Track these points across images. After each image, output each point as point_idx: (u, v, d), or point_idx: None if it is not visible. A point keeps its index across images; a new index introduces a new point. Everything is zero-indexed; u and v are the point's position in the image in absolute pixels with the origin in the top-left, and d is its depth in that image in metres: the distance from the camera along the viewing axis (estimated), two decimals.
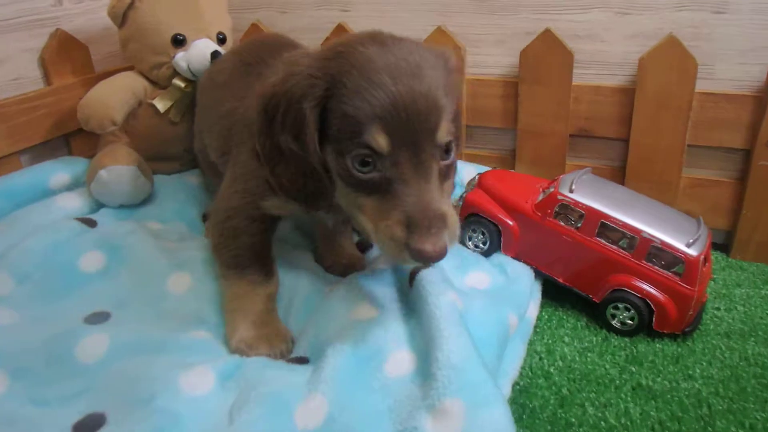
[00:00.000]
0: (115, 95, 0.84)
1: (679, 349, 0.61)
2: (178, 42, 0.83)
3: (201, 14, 0.86)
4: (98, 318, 0.62)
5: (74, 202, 0.81)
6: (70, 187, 0.85)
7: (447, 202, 0.48)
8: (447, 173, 0.49)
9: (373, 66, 0.47)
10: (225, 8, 0.92)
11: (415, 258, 0.44)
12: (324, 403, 0.46)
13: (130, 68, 0.91)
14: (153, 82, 0.88)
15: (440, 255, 0.44)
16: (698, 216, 0.66)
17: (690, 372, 0.58)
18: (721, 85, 0.74)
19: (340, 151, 0.47)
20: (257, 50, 0.72)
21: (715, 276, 0.73)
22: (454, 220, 0.47)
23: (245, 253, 0.59)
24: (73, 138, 0.94)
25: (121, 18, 0.86)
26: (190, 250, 0.71)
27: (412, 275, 0.59)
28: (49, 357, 0.55)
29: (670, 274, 0.61)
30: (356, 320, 0.56)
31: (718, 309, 0.68)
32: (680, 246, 0.60)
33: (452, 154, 0.50)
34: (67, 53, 0.92)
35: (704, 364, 0.59)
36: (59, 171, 0.85)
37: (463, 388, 0.44)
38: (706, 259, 0.63)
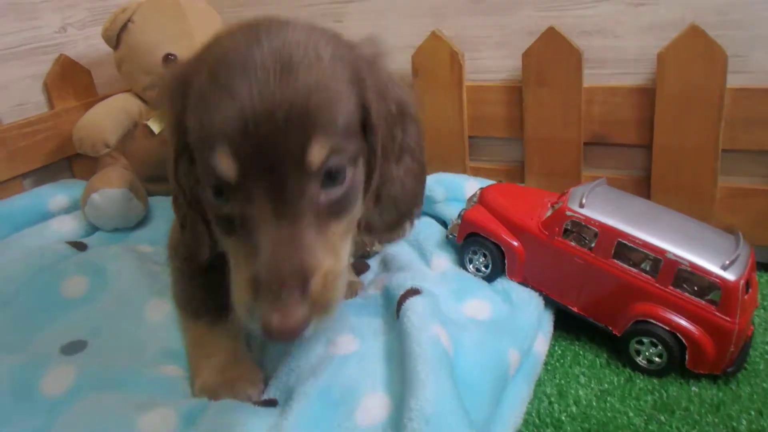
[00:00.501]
0: (108, 117, 0.82)
1: (721, 394, 0.49)
2: (170, 61, 0.79)
3: (191, 33, 0.82)
4: (75, 347, 0.57)
5: (69, 226, 0.78)
6: (69, 210, 0.82)
7: (326, 254, 0.35)
8: (335, 210, 0.36)
9: (226, 63, 0.35)
10: (217, 26, 0.87)
11: (262, 332, 0.32)
12: None
13: (128, 90, 0.88)
14: (147, 103, 0.84)
15: (291, 332, 0.31)
16: (737, 232, 0.53)
17: (734, 423, 0.45)
18: (757, 79, 0.61)
19: (200, 178, 0.36)
20: None
21: (763, 303, 0.60)
22: (330, 280, 0.34)
23: (197, 292, 0.50)
24: (75, 161, 0.92)
25: (115, 40, 0.83)
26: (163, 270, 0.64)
27: (399, 304, 0.50)
28: (15, 389, 0.51)
29: (703, 302, 0.49)
30: (333, 354, 0.48)
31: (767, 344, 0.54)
32: (714, 269, 0.48)
33: (343, 184, 0.36)
34: (70, 78, 0.91)
35: (752, 413, 0.46)
36: (58, 194, 0.83)
37: None
38: (748, 284, 0.50)
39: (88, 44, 0.94)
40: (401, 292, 0.52)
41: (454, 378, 0.42)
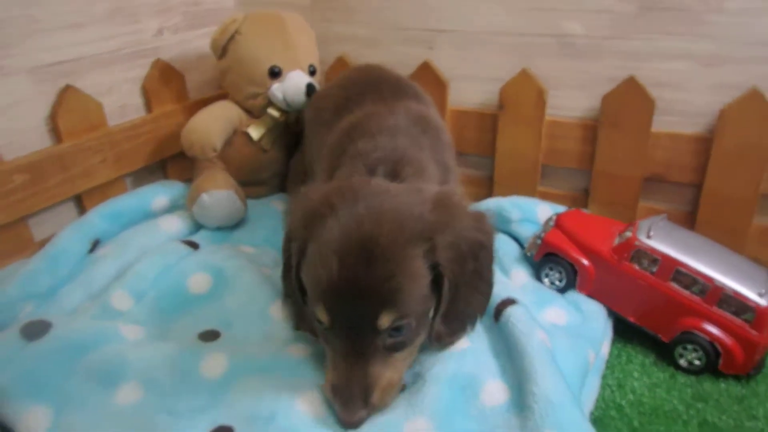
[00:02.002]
0: (215, 123, 1.03)
1: (744, 391, 0.76)
2: (275, 74, 1.03)
3: (294, 47, 1.04)
4: (210, 336, 0.76)
5: (176, 225, 0.99)
6: (170, 209, 1.04)
7: (388, 370, 0.61)
8: (399, 347, 0.61)
9: (327, 239, 0.59)
10: (314, 41, 1.11)
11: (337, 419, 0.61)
12: (430, 426, 0.60)
13: (224, 96, 1.11)
14: (247, 111, 1.08)
15: (353, 425, 0.59)
16: None
17: (754, 412, 0.73)
18: None
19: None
20: (360, 85, 0.89)
21: None
22: (383, 390, 0.60)
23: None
24: (169, 162, 1.15)
25: (221, 50, 1.05)
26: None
27: (498, 311, 0.76)
28: (175, 371, 0.67)
29: (739, 320, 0.76)
30: (450, 350, 0.71)
31: None
32: (752, 296, 0.75)
33: (405, 333, 0.60)
34: (166, 82, 1.12)
35: (767, 405, 0.74)
36: (160, 194, 1.04)
37: (557, 424, 0.58)
38: None
39: (180, 49, 1.15)
40: (498, 301, 0.76)
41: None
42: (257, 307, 0.81)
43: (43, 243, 0.92)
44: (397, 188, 0.66)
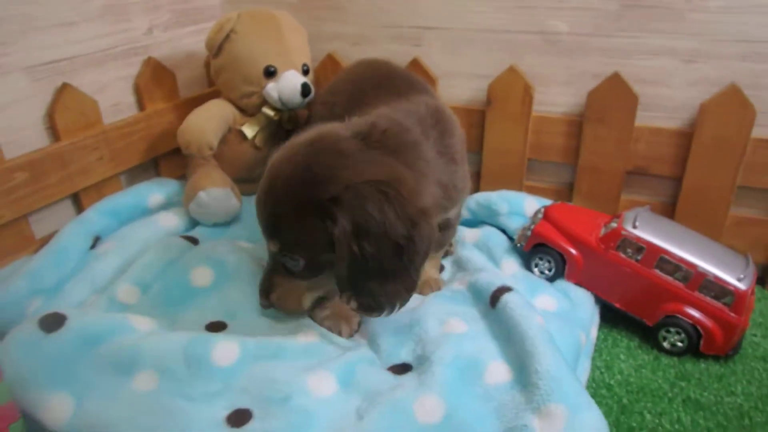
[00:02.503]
0: (210, 122, 1.03)
1: (722, 369, 0.80)
2: (270, 73, 1.03)
3: (289, 47, 1.05)
4: (216, 327, 0.79)
5: (174, 221, 1.00)
6: (165, 206, 1.05)
7: (286, 285, 0.74)
8: (300, 275, 0.72)
9: (268, 165, 0.72)
10: (306, 40, 1.12)
11: None
12: (440, 403, 0.64)
13: (213, 94, 1.11)
14: (240, 110, 1.08)
15: (264, 306, 0.77)
16: (746, 253, 0.84)
17: (732, 389, 0.77)
18: None
19: None
20: (373, 79, 0.92)
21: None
22: (279, 296, 0.74)
23: None
24: (161, 159, 1.15)
25: (216, 48, 1.04)
26: None
27: (495, 298, 0.79)
28: (188, 360, 0.69)
29: (719, 304, 0.80)
30: (449, 333, 0.74)
31: (756, 335, 0.86)
32: (732, 280, 0.79)
33: (299, 264, 0.70)
34: (158, 80, 1.12)
35: (744, 383, 0.78)
36: (155, 191, 1.05)
37: (563, 396, 0.62)
38: (752, 292, 0.81)
39: (170, 46, 1.15)
40: (493, 289, 0.80)
41: None
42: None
43: (43, 240, 0.93)
44: (350, 150, 0.68)
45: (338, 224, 0.64)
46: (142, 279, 0.85)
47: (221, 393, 0.67)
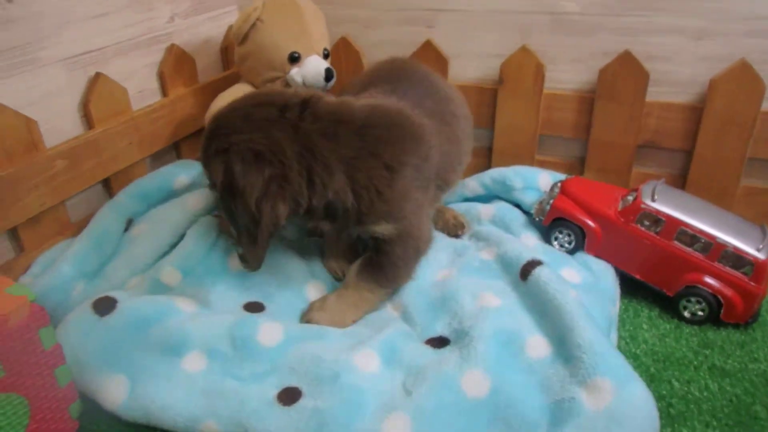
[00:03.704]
0: None
1: (743, 337, 0.71)
2: (294, 59, 0.91)
3: (311, 33, 0.94)
4: (255, 307, 0.71)
5: (200, 202, 0.88)
6: (190, 188, 0.94)
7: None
8: None
9: None
10: (325, 25, 0.99)
11: None
12: (485, 378, 0.56)
13: (231, 78, 1.01)
14: None
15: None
16: (763, 224, 0.74)
17: (755, 356, 0.68)
18: None
19: None
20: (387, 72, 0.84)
21: None
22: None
23: None
24: (182, 143, 1.04)
25: (243, 36, 0.93)
26: (315, 259, 0.81)
27: (526, 271, 0.69)
28: (234, 340, 0.63)
29: (739, 273, 0.71)
30: (484, 307, 0.65)
31: None
32: (751, 250, 0.70)
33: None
34: (180, 66, 1.01)
35: (766, 349, 0.69)
36: (180, 173, 0.94)
37: (608, 370, 0.54)
38: None
39: (189, 34, 1.04)
40: (523, 262, 0.70)
41: None
42: (297, 284, 0.76)
43: (78, 224, 0.86)
44: (260, 117, 0.66)
45: (217, 167, 0.66)
46: (186, 263, 0.77)
47: (269, 372, 0.61)
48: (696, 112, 0.86)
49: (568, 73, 0.93)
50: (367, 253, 0.72)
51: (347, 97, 0.73)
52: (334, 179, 0.66)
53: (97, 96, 0.85)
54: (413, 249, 0.71)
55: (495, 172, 0.93)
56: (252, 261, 0.68)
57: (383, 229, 0.69)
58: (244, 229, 0.66)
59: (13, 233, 0.77)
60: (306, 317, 0.70)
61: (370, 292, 0.71)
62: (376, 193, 0.67)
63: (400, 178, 0.68)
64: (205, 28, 1.07)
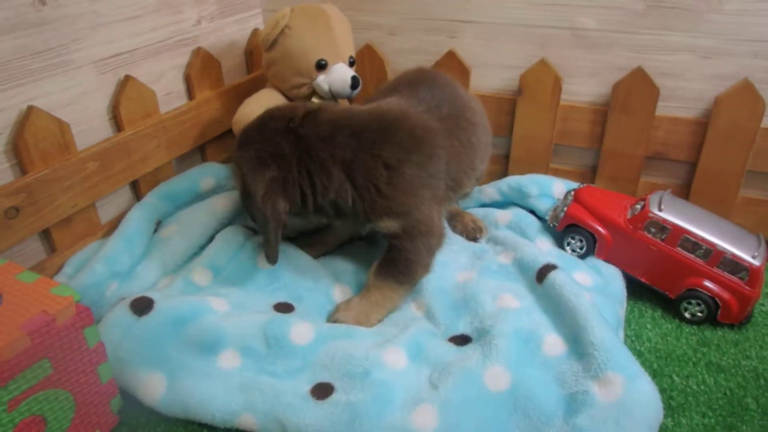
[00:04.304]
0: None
1: (737, 336, 0.82)
2: (321, 66, 0.98)
3: (337, 41, 1.00)
4: (284, 308, 0.78)
5: (228, 205, 0.96)
6: (216, 190, 1.02)
7: None
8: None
9: None
10: (350, 33, 1.06)
11: None
12: (506, 373, 0.65)
13: (255, 81, 1.07)
14: (289, 99, 1.04)
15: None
16: (759, 233, 0.85)
17: (747, 353, 0.79)
18: None
19: None
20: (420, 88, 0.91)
21: None
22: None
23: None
24: (207, 145, 1.11)
25: (271, 43, 0.99)
26: (339, 263, 0.89)
27: (542, 275, 0.78)
28: (267, 339, 0.69)
29: (736, 278, 0.81)
30: (504, 308, 0.74)
31: (764, 305, 0.88)
32: (748, 258, 0.80)
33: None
34: (205, 69, 1.07)
35: (758, 347, 0.80)
36: (206, 175, 1.02)
37: (618, 366, 0.63)
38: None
39: (215, 36, 1.10)
40: (539, 266, 0.80)
41: None
42: (323, 287, 0.83)
43: (108, 225, 0.91)
44: (270, 129, 0.77)
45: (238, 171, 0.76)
46: (216, 262, 0.83)
47: (302, 369, 0.68)
48: (701, 126, 0.95)
49: (584, 86, 1.02)
50: (382, 254, 0.80)
51: (355, 105, 0.84)
52: (333, 179, 0.76)
53: (126, 98, 0.90)
54: (423, 243, 0.77)
55: (512, 180, 1.02)
56: (268, 255, 0.77)
57: (388, 225, 0.77)
58: (261, 227, 0.76)
59: (46, 234, 0.82)
60: (333, 317, 0.77)
61: (391, 290, 0.78)
62: (376, 191, 0.76)
63: (399, 175, 0.76)
64: (230, 31, 1.14)
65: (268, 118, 0.79)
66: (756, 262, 0.80)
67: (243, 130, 0.80)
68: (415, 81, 0.92)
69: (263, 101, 1.01)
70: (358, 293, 0.81)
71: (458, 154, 0.86)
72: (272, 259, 0.77)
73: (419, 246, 0.77)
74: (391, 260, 0.78)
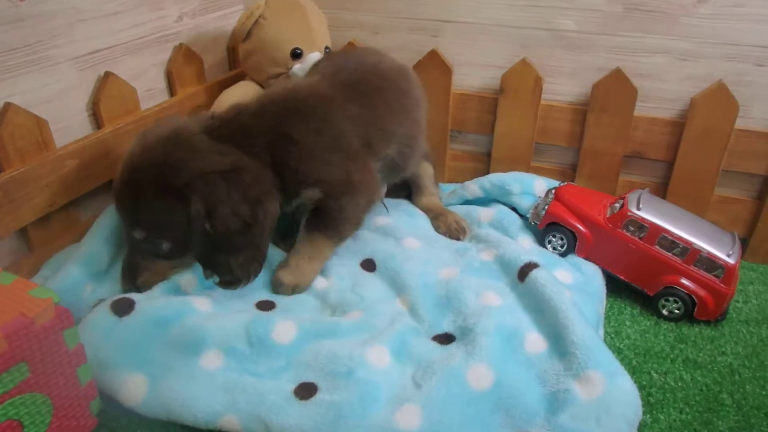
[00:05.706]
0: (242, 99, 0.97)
1: (713, 332, 0.82)
2: (296, 55, 0.97)
3: (313, 31, 0.99)
4: (266, 305, 0.76)
5: None
6: None
7: (151, 267, 0.73)
8: (159, 256, 0.71)
9: None
10: (326, 26, 1.05)
11: None
12: (489, 371, 0.64)
13: (238, 77, 1.05)
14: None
15: (129, 290, 0.73)
16: (733, 231, 0.85)
17: (723, 350, 0.79)
18: (755, 123, 0.93)
19: None
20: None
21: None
22: (145, 278, 0.72)
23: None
24: None
25: (246, 33, 0.97)
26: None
27: (523, 273, 0.77)
28: (250, 338, 0.67)
29: (711, 276, 0.81)
30: (487, 306, 0.73)
31: (738, 302, 0.88)
32: (722, 256, 0.80)
33: (163, 247, 0.70)
34: (187, 65, 1.04)
35: (732, 344, 0.80)
36: None
37: (599, 364, 0.63)
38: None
39: (196, 32, 1.07)
40: (521, 264, 0.79)
41: None
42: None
43: (87, 224, 0.87)
44: (200, 145, 0.71)
45: (193, 207, 0.67)
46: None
47: (285, 369, 0.66)
48: (678, 126, 0.96)
49: (564, 86, 1.01)
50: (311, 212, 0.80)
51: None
52: (266, 166, 0.73)
53: (106, 95, 0.87)
54: (348, 202, 0.79)
55: (494, 177, 1.01)
56: (246, 270, 0.72)
57: (309, 195, 0.78)
58: (228, 247, 0.70)
59: (23, 232, 0.79)
60: (274, 280, 0.78)
61: (321, 243, 0.80)
62: (292, 170, 0.75)
63: (304, 147, 0.76)
64: (212, 28, 1.11)
65: (180, 140, 0.71)
66: (731, 260, 0.80)
67: (154, 164, 0.69)
68: (330, 56, 0.94)
69: (239, 93, 1.00)
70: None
71: (361, 116, 0.82)
72: (255, 275, 0.73)
73: (343, 205, 0.79)
74: (319, 216, 0.80)
